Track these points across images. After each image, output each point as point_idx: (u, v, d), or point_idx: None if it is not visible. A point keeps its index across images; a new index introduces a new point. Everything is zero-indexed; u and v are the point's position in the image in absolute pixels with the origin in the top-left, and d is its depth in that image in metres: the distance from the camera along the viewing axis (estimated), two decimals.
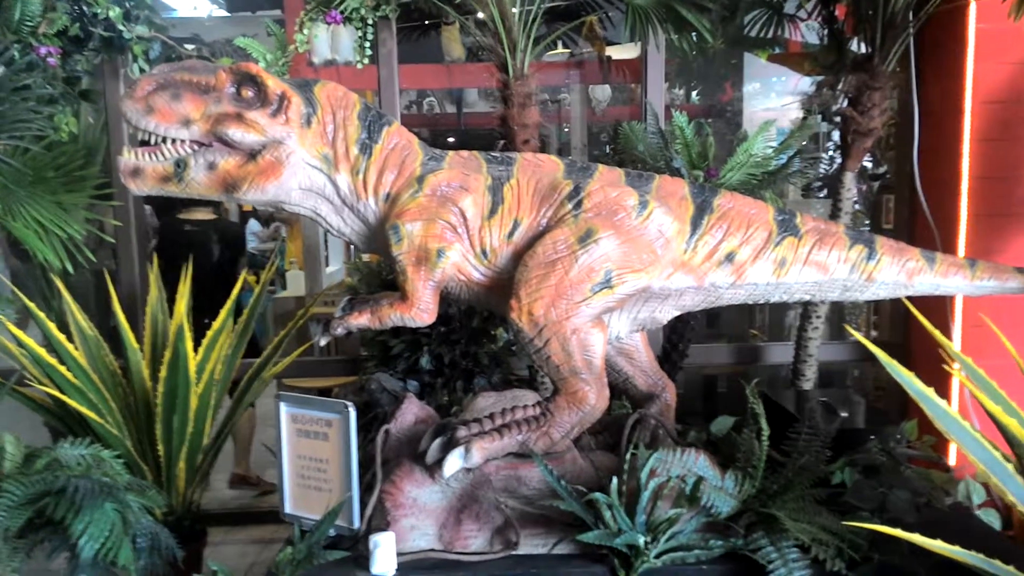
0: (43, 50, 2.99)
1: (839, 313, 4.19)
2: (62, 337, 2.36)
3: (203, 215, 4.51)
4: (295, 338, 3.06)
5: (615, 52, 4.44)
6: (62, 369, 2.31)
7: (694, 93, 5.88)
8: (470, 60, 4.80)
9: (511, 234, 1.98)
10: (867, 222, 4.18)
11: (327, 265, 5.50)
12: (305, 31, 3.25)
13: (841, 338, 3.93)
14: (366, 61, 3.28)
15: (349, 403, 1.88)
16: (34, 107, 2.65)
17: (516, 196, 2.01)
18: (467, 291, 2.05)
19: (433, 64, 4.62)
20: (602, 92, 6.25)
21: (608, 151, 6.13)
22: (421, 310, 1.96)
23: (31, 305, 2.42)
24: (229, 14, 7.01)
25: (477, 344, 2.75)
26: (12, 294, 2.57)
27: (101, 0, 3.05)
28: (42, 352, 2.30)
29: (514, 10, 2.83)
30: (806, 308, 3.02)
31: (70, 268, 2.70)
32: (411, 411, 2.17)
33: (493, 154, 2.13)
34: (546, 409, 1.94)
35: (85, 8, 3.05)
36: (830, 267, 2.04)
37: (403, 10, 3.32)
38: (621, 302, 1.94)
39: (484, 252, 1.99)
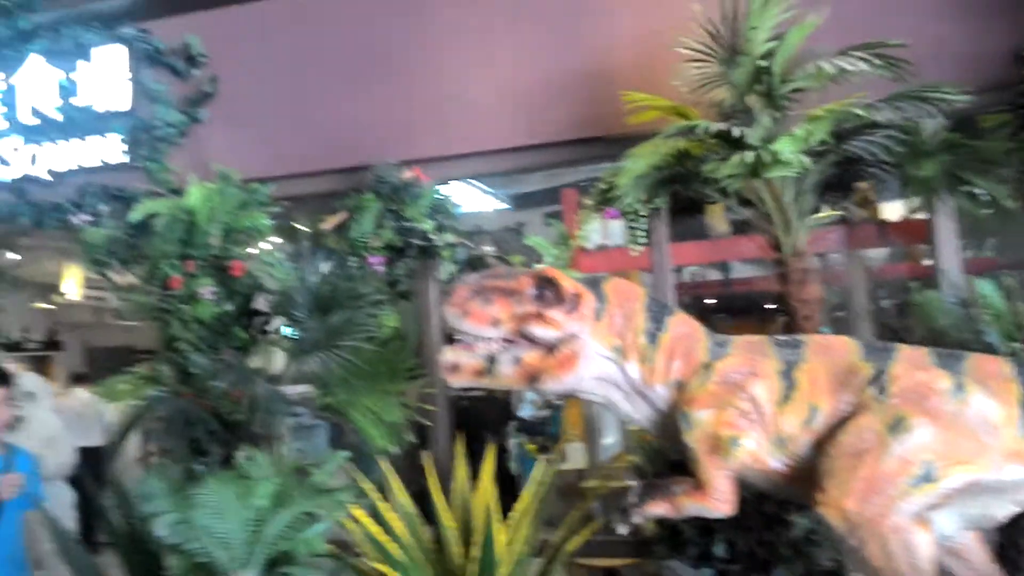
0: (373, 260, 3.60)
1: None
2: (393, 517, 2.66)
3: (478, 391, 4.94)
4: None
5: (889, 211, 4.26)
6: (390, 545, 2.58)
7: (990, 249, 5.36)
8: (735, 233, 4.88)
9: (809, 421, 1.94)
10: None
11: (601, 436, 5.59)
12: (584, 227, 3.57)
13: None
14: (640, 249, 3.50)
15: None
16: (370, 312, 3.17)
17: (810, 381, 1.97)
18: (765, 480, 2.01)
19: (699, 241, 4.76)
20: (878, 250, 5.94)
21: (893, 311, 5.72)
22: (719, 500, 1.95)
23: (366, 487, 2.78)
24: (509, 207, 7.82)
25: (773, 531, 2.62)
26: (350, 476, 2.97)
27: (417, 215, 3.63)
28: (376, 530, 2.60)
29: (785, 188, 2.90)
30: None
31: (395, 450, 3.07)
32: None
33: (780, 337, 2.13)
34: None
35: (405, 224, 3.64)
36: None
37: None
38: (946, 498, 1.78)
39: (780, 440, 1.95)
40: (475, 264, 4.00)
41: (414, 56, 3.82)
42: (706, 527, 2.66)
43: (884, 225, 4.16)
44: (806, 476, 1.90)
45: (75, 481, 5.72)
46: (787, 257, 2.93)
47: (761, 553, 2.60)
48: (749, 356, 2.05)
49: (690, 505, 1.98)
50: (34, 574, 3.20)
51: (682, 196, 3.53)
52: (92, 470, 5.96)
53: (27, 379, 4.89)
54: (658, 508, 2.03)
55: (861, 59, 2.72)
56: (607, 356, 2.14)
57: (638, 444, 3.20)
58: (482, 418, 5.03)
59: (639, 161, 2.99)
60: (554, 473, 3.07)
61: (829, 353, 2.01)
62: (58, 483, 5.45)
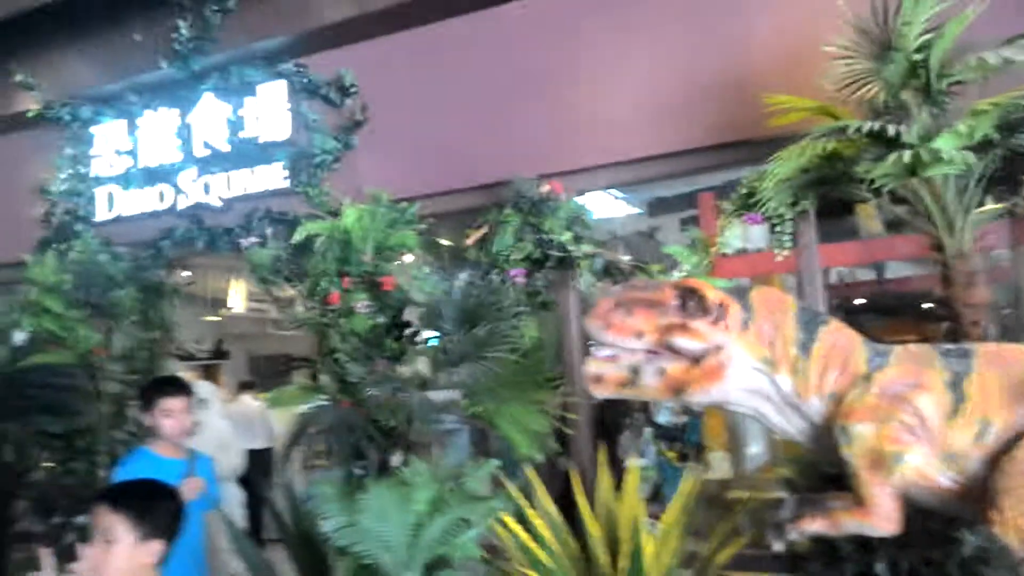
0: (514, 272, 3.69)
1: None
2: (540, 523, 2.74)
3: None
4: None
5: None
6: (539, 552, 2.66)
7: None
8: (890, 232, 4.61)
9: (981, 436, 1.83)
10: None
11: (746, 445, 5.43)
12: (725, 233, 3.51)
13: None
14: (785, 253, 3.39)
15: None
16: (513, 323, 3.27)
17: (981, 393, 1.86)
18: (934, 497, 1.91)
19: (849, 242, 4.54)
20: None
21: None
22: (882, 518, 1.87)
23: (516, 494, 2.86)
24: (642, 211, 7.76)
25: (939, 549, 2.47)
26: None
27: (556, 228, 3.69)
28: (526, 537, 2.69)
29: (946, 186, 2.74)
30: None
31: (539, 457, 3.15)
32: None
33: (947, 346, 2.02)
34: None
35: (544, 236, 3.71)
36: None
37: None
38: None
39: (950, 456, 1.86)
40: (613, 273, 4.01)
41: (548, 71, 3.90)
42: (866, 544, 2.54)
43: None
44: (978, 493, 1.80)
45: (243, 481, 6.22)
46: (951, 259, 2.76)
47: (926, 573, 2.46)
48: (912, 367, 1.96)
49: (850, 522, 1.91)
50: (210, 569, 3.52)
51: (830, 197, 3.39)
52: (258, 471, 6.46)
53: (200, 387, 5.37)
54: (815, 525, 1.98)
55: None
56: (756, 368, 2.10)
57: (788, 456, 3.11)
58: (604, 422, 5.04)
59: (785, 164, 2.91)
60: (700, 484, 3.04)
61: (1002, 363, 1.89)
62: (229, 483, 5.94)
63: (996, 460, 1.78)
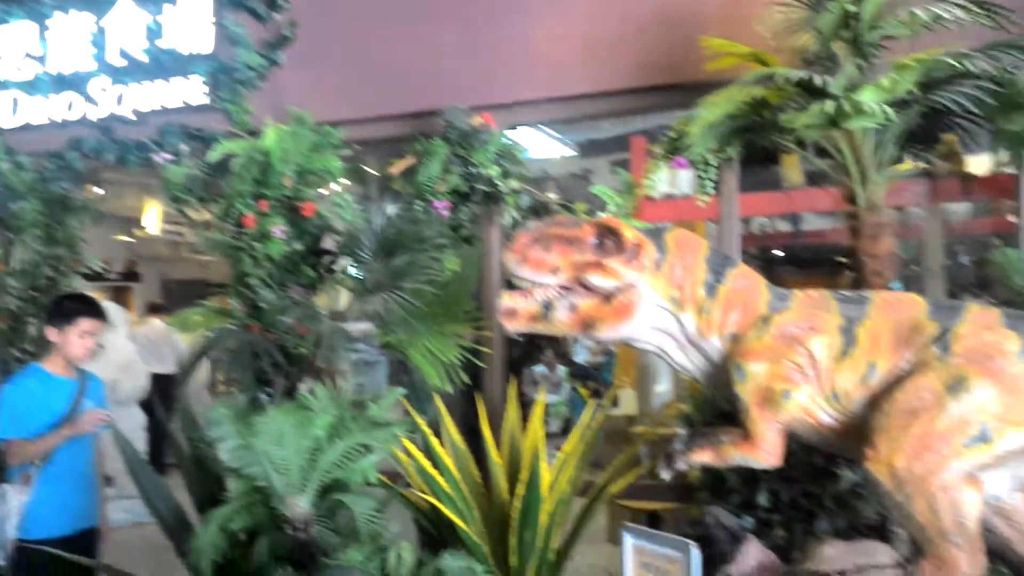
0: (438, 204, 3.63)
1: None
2: (443, 452, 2.76)
3: None
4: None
5: (976, 166, 4.05)
6: (440, 479, 2.69)
7: None
8: (810, 184, 4.71)
9: (866, 378, 1.91)
10: None
11: (654, 384, 5.60)
12: (651, 176, 3.51)
13: None
14: (708, 199, 3.42)
15: (692, 544, 1.90)
16: (433, 255, 3.22)
17: (872, 337, 1.94)
18: (814, 433, 2.00)
19: (770, 192, 4.62)
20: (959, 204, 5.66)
21: (971, 269, 5.48)
22: (766, 452, 1.96)
23: (420, 422, 2.86)
24: (576, 153, 7.76)
25: (818, 483, 2.60)
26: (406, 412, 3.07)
27: (484, 161, 3.63)
28: (427, 464, 2.70)
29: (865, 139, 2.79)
30: None
31: (449, 389, 3.16)
32: (753, 555, 2.13)
33: (845, 293, 2.09)
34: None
35: (471, 169, 3.65)
36: None
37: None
38: (1000, 459, 1.74)
39: (835, 395, 1.94)
40: (539, 211, 3.99)
41: (487, 1, 3.78)
42: (750, 476, 2.65)
43: (969, 179, 3.95)
44: (857, 432, 1.89)
45: (146, 405, 6.08)
46: (861, 210, 2.84)
47: (805, 504, 2.60)
48: (810, 311, 2.03)
49: (736, 455, 1.99)
50: (104, 491, 3.45)
51: (756, 146, 3.42)
52: (164, 396, 6.33)
53: (106, 308, 5.18)
54: (703, 456, 2.05)
55: (958, 6, 2.57)
56: (664, 306, 2.13)
57: (688, 393, 3.20)
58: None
59: (713, 109, 2.90)
60: (603, 417, 3.10)
61: (894, 310, 1.97)
62: (131, 406, 5.81)
63: (877, 401, 1.86)
